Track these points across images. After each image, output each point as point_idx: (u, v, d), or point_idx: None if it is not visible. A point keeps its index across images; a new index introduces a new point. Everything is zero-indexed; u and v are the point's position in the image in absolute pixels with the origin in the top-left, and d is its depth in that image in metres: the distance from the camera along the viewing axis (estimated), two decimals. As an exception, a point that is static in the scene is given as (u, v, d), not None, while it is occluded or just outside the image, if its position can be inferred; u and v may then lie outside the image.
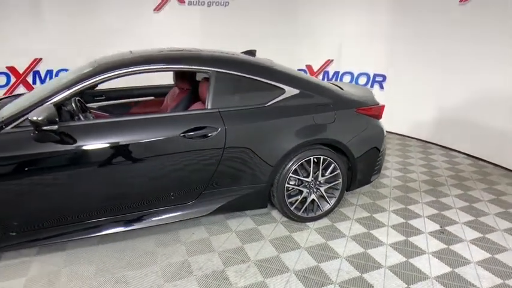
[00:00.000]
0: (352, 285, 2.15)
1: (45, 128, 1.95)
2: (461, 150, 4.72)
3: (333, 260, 2.39)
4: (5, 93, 5.50)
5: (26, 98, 2.42)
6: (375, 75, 5.64)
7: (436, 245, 2.58)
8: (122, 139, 2.18)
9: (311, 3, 5.95)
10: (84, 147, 2.13)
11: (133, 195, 2.35)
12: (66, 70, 5.88)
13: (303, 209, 2.79)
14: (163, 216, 2.43)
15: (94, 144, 2.14)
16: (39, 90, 2.56)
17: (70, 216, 2.24)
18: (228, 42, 5.65)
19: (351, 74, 5.91)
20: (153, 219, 2.41)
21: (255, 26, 6.22)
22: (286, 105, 2.64)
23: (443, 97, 4.87)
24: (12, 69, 5.47)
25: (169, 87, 3.64)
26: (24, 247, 2.24)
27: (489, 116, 4.33)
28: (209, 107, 2.44)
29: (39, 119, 1.94)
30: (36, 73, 5.69)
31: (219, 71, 2.48)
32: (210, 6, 6.34)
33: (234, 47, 3.46)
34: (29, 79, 5.65)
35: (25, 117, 2.06)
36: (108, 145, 2.15)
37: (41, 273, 2.21)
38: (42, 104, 2.09)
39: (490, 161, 4.36)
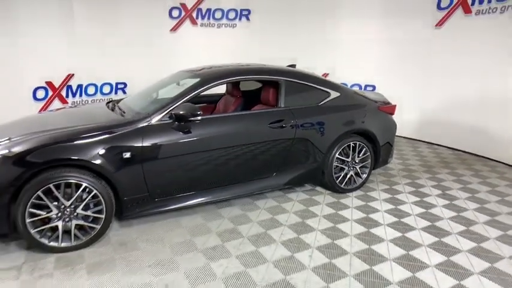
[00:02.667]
0: (397, 225, 3.10)
1: (191, 119, 2.75)
2: (441, 144, 5.93)
3: (376, 212, 3.32)
4: (43, 106, 6.01)
5: (146, 99, 3.21)
6: (366, 86, 6.79)
7: (442, 201, 3.61)
8: (235, 128, 3.03)
9: (307, 26, 7.02)
10: (209, 135, 2.93)
11: (238, 170, 3.17)
12: (95, 84, 6.50)
13: (344, 183, 3.72)
14: (256, 186, 3.30)
15: (215, 132, 2.96)
16: (150, 92, 3.37)
17: (194, 186, 3.01)
18: (236, 58, 6.58)
19: (345, 85, 7.01)
20: (249, 188, 3.26)
21: (258, 45, 7.18)
22: (332, 105, 3.59)
23: (423, 101, 6.09)
24: (50, 83, 6.01)
25: (210, 96, 4.39)
26: (161, 210, 2.95)
27: (461, 115, 5.57)
28: (282, 106, 3.34)
29: (184, 113, 2.74)
30: (69, 87, 6.26)
31: (287, 80, 3.40)
32: (220, 27, 7.26)
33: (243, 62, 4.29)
34: (63, 93, 6.21)
35: (163, 112, 2.83)
36: (226, 132, 2.99)
37: (190, 227, 2.95)
38: (176, 103, 2.87)
39: (465, 150, 5.57)
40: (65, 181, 2.48)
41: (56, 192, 2.48)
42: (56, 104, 6.14)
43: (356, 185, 3.80)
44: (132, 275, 2.37)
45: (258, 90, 4.12)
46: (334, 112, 3.57)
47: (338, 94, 3.66)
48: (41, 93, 5.96)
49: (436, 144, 5.98)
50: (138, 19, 6.57)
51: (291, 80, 3.42)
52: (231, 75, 3.25)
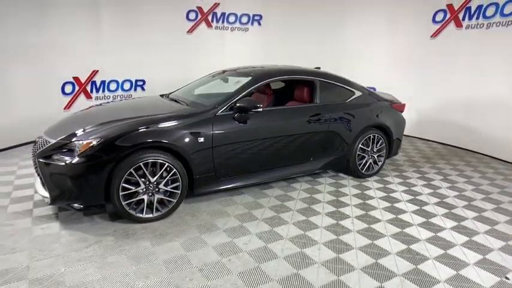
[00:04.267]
0: (414, 201, 3.76)
1: (252, 111, 3.30)
2: (433, 139, 6.71)
3: (394, 192, 3.99)
4: (70, 100, 6.34)
5: (202, 93, 3.73)
6: (367, 88, 7.49)
7: (446, 184, 4.33)
8: (284, 119, 3.61)
9: (316, 33, 7.68)
10: (263, 125, 3.49)
11: (285, 155, 3.75)
12: (116, 81, 6.89)
13: (364, 169, 4.36)
14: (298, 169, 3.90)
15: (267, 123, 3.52)
16: (199, 86, 3.91)
17: (248, 168, 3.56)
18: (248, 60, 7.14)
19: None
20: (292, 171, 3.86)
21: (269, 47, 7.78)
22: (357, 102, 4.23)
23: (419, 102, 6.85)
24: (76, 79, 6.36)
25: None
26: (223, 188, 3.48)
27: (452, 115, 6.36)
28: (318, 102, 3.94)
29: (246, 105, 3.28)
30: (93, 83, 6.62)
31: (321, 80, 4.01)
32: (233, 31, 7.79)
33: (254, 64, 4.93)
34: (88, 88, 6.56)
35: (226, 104, 3.37)
36: (277, 123, 3.57)
37: (244, 203, 3.48)
38: (236, 97, 3.41)
39: (455, 145, 6.37)
40: (152, 161, 2.97)
41: (144, 170, 2.96)
42: (82, 98, 6.48)
43: (374, 171, 4.45)
44: (214, 237, 2.89)
45: (283, 88, 4.74)
46: (359, 108, 4.20)
47: (360, 93, 4.30)
48: (68, 88, 6.29)
49: (429, 140, 6.76)
50: (158, 21, 7.00)
51: (325, 80, 4.03)
52: (278, 74, 3.83)
